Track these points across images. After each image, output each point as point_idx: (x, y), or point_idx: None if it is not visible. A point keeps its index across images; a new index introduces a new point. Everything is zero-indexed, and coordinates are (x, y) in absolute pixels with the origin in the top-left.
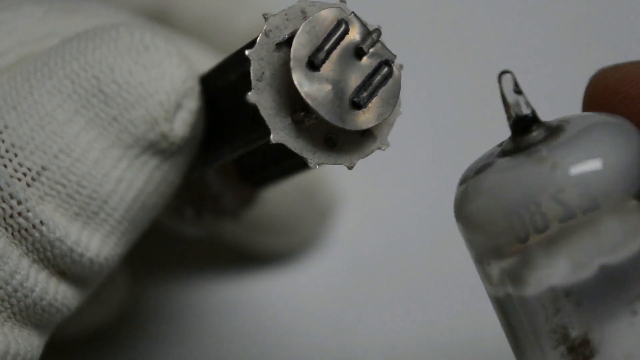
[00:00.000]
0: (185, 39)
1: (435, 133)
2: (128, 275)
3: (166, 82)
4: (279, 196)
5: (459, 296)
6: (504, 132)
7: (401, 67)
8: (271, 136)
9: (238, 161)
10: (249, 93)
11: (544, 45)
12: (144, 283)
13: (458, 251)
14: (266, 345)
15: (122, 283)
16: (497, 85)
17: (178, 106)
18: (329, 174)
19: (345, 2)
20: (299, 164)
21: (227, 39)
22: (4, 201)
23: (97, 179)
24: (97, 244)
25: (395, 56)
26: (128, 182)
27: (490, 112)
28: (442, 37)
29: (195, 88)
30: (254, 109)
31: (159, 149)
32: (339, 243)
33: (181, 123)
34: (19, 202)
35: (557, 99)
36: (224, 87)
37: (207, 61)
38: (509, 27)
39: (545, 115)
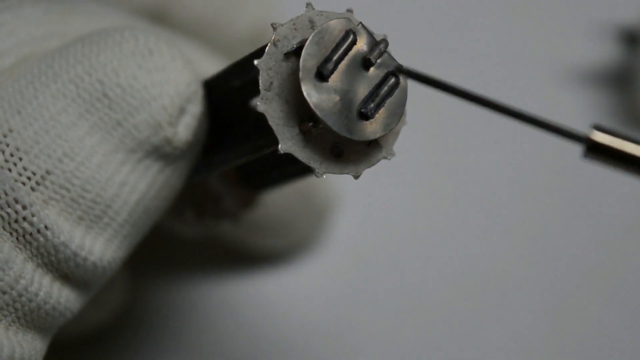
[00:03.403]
0: (186, 41)
1: (434, 136)
2: (128, 276)
3: (170, 86)
4: (277, 197)
5: (457, 297)
6: (504, 138)
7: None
8: (279, 146)
9: (239, 165)
10: (258, 103)
11: (548, 54)
12: (144, 283)
13: (456, 252)
14: (265, 344)
15: (122, 284)
16: (498, 92)
17: (182, 110)
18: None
19: (352, 11)
20: (301, 170)
21: (227, 39)
22: (9, 206)
23: (101, 183)
24: (100, 247)
25: (402, 66)
26: (131, 186)
27: (490, 118)
28: (446, 47)
29: (199, 92)
30: (259, 117)
31: (162, 153)
32: (337, 243)
33: (185, 127)
34: (24, 207)
35: (559, 106)
36: (228, 93)
37: (209, 63)
38: (513, 36)
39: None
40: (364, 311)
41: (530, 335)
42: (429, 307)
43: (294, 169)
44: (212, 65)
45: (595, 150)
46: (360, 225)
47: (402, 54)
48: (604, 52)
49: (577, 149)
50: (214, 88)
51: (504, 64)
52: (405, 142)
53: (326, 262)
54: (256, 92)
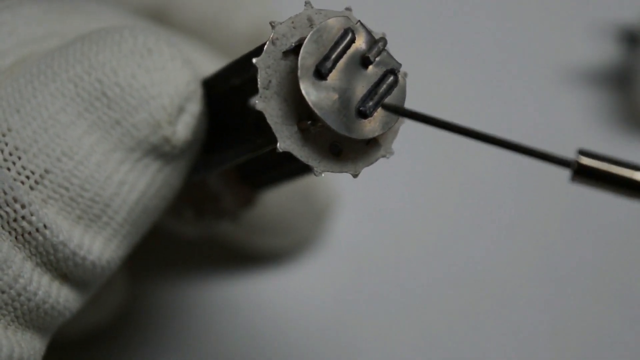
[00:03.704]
0: (186, 40)
1: (434, 135)
2: (127, 276)
3: (169, 86)
4: (276, 197)
5: (457, 296)
6: (505, 135)
7: (406, 75)
8: (278, 144)
9: (239, 164)
10: (256, 101)
11: (548, 54)
12: (143, 283)
13: (456, 251)
14: (264, 344)
15: (121, 284)
16: (498, 91)
17: (181, 110)
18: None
19: (351, 10)
20: (300, 168)
21: (226, 38)
22: (7, 205)
23: (100, 182)
24: (99, 247)
25: (400, 65)
26: (130, 185)
27: (490, 116)
28: (445, 46)
29: (198, 91)
30: (258, 116)
31: (161, 152)
32: (336, 243)
33: (184, 127)
34: (23, 206)
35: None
36: (227, 91)
37: (208, 62)
38: (513, 36)
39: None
40: (364, 311)
41: (531, 335)
42: (429, 307)
43: (293, 168)
44: (212, 65)
45: (582, 174)
46: (360, 224)
47: (401, 53)
48: (604, 52)
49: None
50: (213, 87)
51: (504, 63)
52: (404, 140)
53: (326, 262)
54: (254, 90)
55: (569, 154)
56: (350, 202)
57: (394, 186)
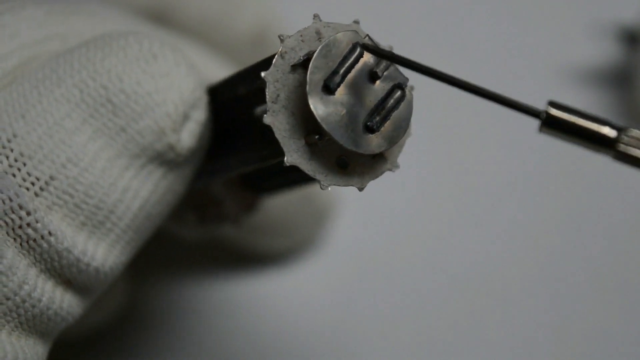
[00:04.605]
0: (189, 42)
1: (434, 140)
2: (129, 277)
3: (174, 93)
4: (278, 199)
5: (456, 299)
6: (504, 142)
7: (412, 88)
8: (285, 158)
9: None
10: (265, 115)
11: (548, 54)
12: (144, 284)
13: (455, 254)
14: (264, 344)
15: (122, 284)
16: (499, 91)
17: (186, 117)
18: None
19: (359, 22)
20: (305, 177)
21: (229, 40)
22: (13, 212)
23: (104, 188)
24: (103, 253)
25: (407, 79)
26: (134, 191)
27: (490, 116)
28: (446, 46)
29: (203, 99)
30: (265, 127)
31: (165, 159)
32: (337, 245)
33: (188, 134)
34: (28, 213)
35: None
36: (232, 100)
37: (212, 65)
38: (514, 36)
39: None
40: (364, 312)
41: (530, 336)
42: (428, 309)
43: (297, 177)
44: (216, 68)
45: (551, 125)
46: (361, 227)
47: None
48: (604, 52)
49: (579, 154)
50: (218, 94)
51: (504, 64)
52: (405, 146)
53: (326, 264)
54: (261, 100)
55: (567, 151)
56: (351, 204)
57: (394, 188)
